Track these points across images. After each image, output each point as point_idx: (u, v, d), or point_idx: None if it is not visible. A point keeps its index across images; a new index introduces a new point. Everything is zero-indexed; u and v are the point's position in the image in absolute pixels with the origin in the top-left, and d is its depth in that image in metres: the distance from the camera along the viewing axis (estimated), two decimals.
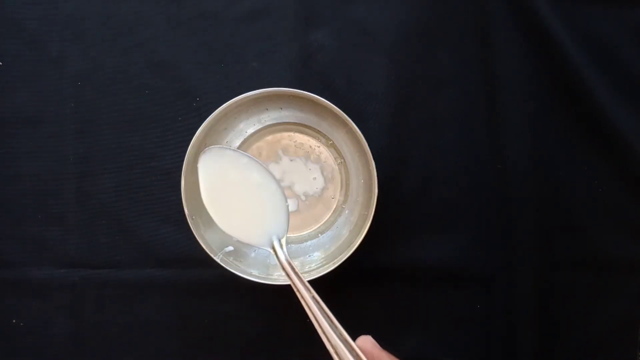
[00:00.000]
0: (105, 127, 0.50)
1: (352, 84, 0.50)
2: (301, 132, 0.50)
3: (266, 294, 0.46)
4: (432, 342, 0.50)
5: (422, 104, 0.50)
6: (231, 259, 0.46)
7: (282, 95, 0.45)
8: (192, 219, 0.44)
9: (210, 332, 0.50)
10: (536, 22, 0.49)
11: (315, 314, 0.34)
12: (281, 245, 0.39)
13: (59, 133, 0.50)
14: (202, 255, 0.44)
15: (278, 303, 0.50)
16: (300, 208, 0.50)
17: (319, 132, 0.49)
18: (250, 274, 0.44)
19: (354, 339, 0.35)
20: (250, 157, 0.41)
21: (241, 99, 0.44)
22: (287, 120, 0.49)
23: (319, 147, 0.50)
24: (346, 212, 0.49)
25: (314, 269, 0.46)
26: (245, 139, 0.50)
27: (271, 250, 0.40)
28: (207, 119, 0.44)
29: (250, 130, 0.49)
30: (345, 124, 0.44)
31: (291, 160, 0.49)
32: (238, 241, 0.49)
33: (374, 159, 0.43)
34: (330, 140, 0.49)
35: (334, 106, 0.43)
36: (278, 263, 0.39)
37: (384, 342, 0.51)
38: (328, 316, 0.34)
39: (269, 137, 0.50)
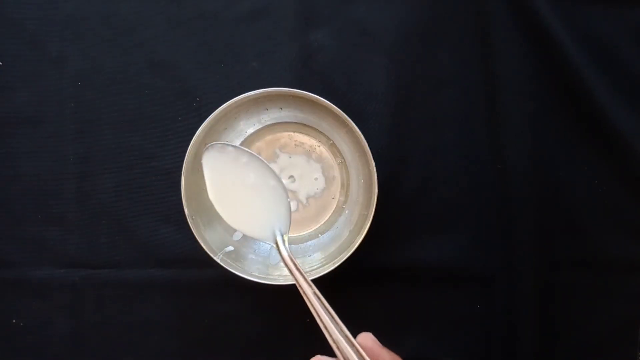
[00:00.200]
0: (105, 127, 0.50)
1: (352, 84, 0.50)
2: (301, 132, 0.50)
3: (266, 294, 0.46)
4: (432, 342, 0.50)
5: (422, 104, 0.50)
6: (231, 259, 0.46)
7: (282, 95, 0.45)
8: (192, 219, 0.44)
9: (210, 332, 0.50)
10: (536, 22, 0.49)
11: (317, 309, 0.35)
12: (284, 241, 0.40)
13: (59, 133, 0.50)
14: (202, 255, 0.44)
15: (278, 303, 0.50)
16: (300, 208, 0.50)
17: (319, 131, 0.49)
18: (250, 274, 0.44)
19: (354, 337, 0.35)
20: (251, 153, 0.41)
21: (241, 99, 0.44)
22: (287, 120, 0.49)
23: (319, 146, 0.50)
24: (346, 212, 0.49)
25: (314, 269, 0.46)
26: (245, 139, 0.50)
27: (274, 245, 0.40)
28: (207, 119, 0.44)
29: (250, 130, 0.49)
30: (345, 124, 0.44)
31: (290, 157, 0.49)
32: (238, 241, 0.49)
33: (374, 159, 0.43)
34: (331, 140, 0.49)
35: (334, 106, 0.43)
36: (280, 258, 0.39)
37: (384, 342, 0.51)
38: (329, 312, 0.34)
39: (269, 137, 0.50)
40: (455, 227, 0.50)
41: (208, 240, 0.45)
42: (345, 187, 0.50)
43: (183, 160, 0.44)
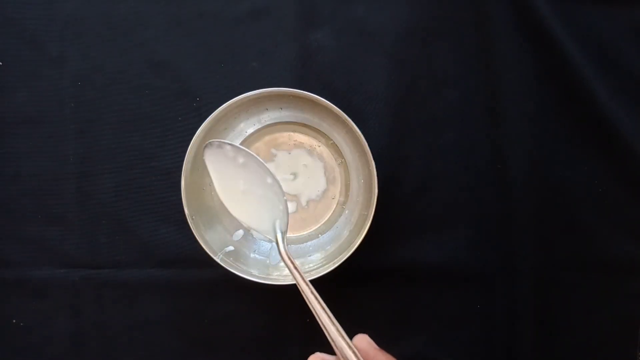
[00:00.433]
0: (105, 127, 0.50)
1: (352, 84, 0.50)
2: (301, 132, 0.50)
3: (266, 294, 0.46)
4: (432, 342, 0.50)
5: (422, 104, 0.50)
6: (231, 259, 0.46)
7: (282, 95, 0.45)
8: (192, 219, 0.44)
9: (210, 332, 0.50)
10: (536, 22, 0.49)
11: (314, 307, 0.35)
12: (283, 239, 0.41)
13: (59, 133, 0.50)
14: (202, 255, 0.44)
15: (278, 303, 0.50)
16: (300, 209, 0.50)
17: (319, 131, 0.49)
18: (250, 274, 0.44)
19: (351, 337, 0.35)
20: (248, 153, 0.41)
21: (241, 99, 0.44)
22: (287, 120, 0.49)
23: (319, 146, 0.50)
24: (346, 212, 0.49)
25: (314, 269, 0.46)
26: (245, 138, 0.50)
27: (275, 241, 0.41)
28: (207, 119, 0.44)
29: (250, 130, 0.49)
30: (345, 124, 0.44)
31: (290, 156, 0.49)
32: (238, 241, 0.49)
33: (374, 159, 0.43)
34: (331, 140, 0.49)
35: (334, 106, 0.43)
36: (279, 255, 0.40)
37: (384, 342, 0.51)
38: (325, 311, 0.35)
39: (269, 137, 0.50)
40: (455, 227, 0.50)
41: (208, 240, 0.45)
42: (346, 187, 0.50)
43: (183, 160, 0.44)
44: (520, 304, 0.49)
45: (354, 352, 0.33)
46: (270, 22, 0.50)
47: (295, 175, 0.49)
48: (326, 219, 0.50)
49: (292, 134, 0.50)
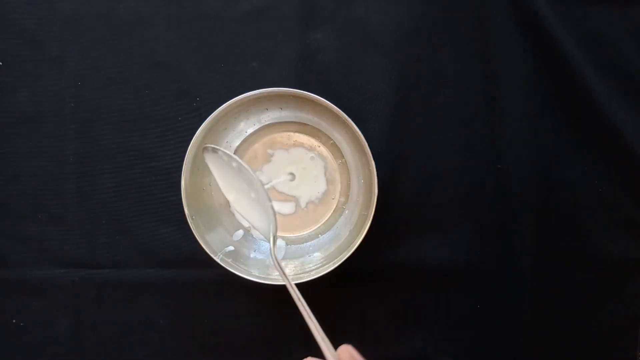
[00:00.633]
0: (105, 127, 0.50)
1: (352, 84, 0.50)
2: (301, 132, 0.50)
3: (266, 294, 0.46)
4: (432, 342, 0.50)
5: (422, 104, 0.50)
6: (231, 259, 0.46)
7: (282, 95, 0.45)
8: (192, 219, 0.44)
9: (210, 332, 0.50)
10: (536, 22, 0.49)
11: (305, 308, 0.36)
12: (273, 243, 0.42)
13: (59, 133, 0.50)
14: (202, 255, 0.44)
15: (278, 303, 0.49)
16: (300, 209, 0.50)
17: (319, 131, 0.49)
18: (250, 274, 0.44)
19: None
20: (237, 160, 0.41)
21: (241, 99, 0.44)
22: (287, 120, 0.49)
23: (319, 146, 0.50)
24: (346, 212, 0.49)
25: (313, 269, 0.46)
26: (245, 138, 0.50)
27: (269, 242, 0.42)
28: (207, 119, 0.44)
29: (250, 130, 0.49)
30: (345, 124, 0.44)
31: (289, 156, 0.49)
32: (238, 241, 0.49)
33: (374, 159, 0.43)
34: (331, 140, 0.49)
35: (334, 106, 0.43)
36: (271, 257, 0.41)
37: (384, 342, 0.51)
38: (311, 319, 0.36)
39: (269, 137, 0.50)
40: (455, 227, 0.50)
41: (208, 240, 0.45)
42: (346, 187, 0.50)
43: (183, 160, 0.44)
44: (520, 304, 0.49)
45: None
46: (270, 22, 0.50)
47: (294, 175, 0.49)
48: (326, 219, 0.50)
49: (292, 134, 0.50)
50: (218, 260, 0.44)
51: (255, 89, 0.44)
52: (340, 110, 0.43)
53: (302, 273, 0.46)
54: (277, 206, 0.50)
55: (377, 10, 0.50)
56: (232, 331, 0.50)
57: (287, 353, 0.50)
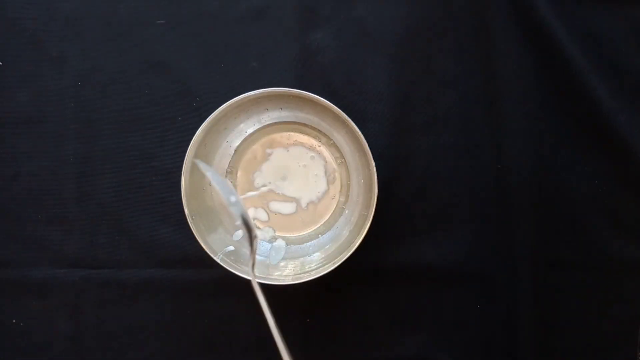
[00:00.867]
0: (105, 127, 0.50)
1: (352, 84, 0.50)
2: (301, 132, 0.50)
3: (266, 294, 0.46)
4: (432, 342, 0.50)
5: (422, 104, 0.50)
6: (231, 259, 0.46)
7: (282, 95, 0.45)
8: (192, 219, 0.44)
9: (210, 332, 0.50)
10: (536, 22, 0.49)
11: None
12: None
13: (59, 133, 0.50)
14: (202, 255, 0.44)
15: (278, 303, 0.49)
16: (300, 209, 0.50)
17: (319, 131, 0.49)
18: (250, 274, 0.44)
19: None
20: (212, 175, 0.42)
21: (241, 99, 0.44)
22: (287, 120, 0.49)
23: (319, 146, 0.50)
24: (346, 212, 0.49)
25: (313, 269, 0.46)
26: (245, 138, 0.50)
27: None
28: (207, 119, 0.44)
29: (250, 130, 0.49)
30: (345, 124, 0.44)
31: (287, 150, 0.50)
32: (238, 241, 0.49)
33: (374, 159, 0.43)
34: (331, 140, 0.49)
35: (334, 106, 0.43)
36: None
37: (384, 342, 0.51)
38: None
39: (269, 137, 0.50)
40: (455, 227, 0.50)
41: (208, 240, 0.45)
42: (346, 187, 0.50)
43: (183, 160, 0.44)
44: (520, 304, 0.49)
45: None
46: (270, 22, 0.50)
47: (293, 175, 0.49)
48: (326, 219, 0.50)
49: (292, 133, 0.50)
50: (218, 260, 0.44)
51: (255, 89, 0.44)
52: (340, 110, 0.43)
53: (302, 273, 0.46)
54: (278, 206, 0.50)
55: (377, 10, 0.50)
56: (232, 331, 0.50)
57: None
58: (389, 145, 0.50)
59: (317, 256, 0.48)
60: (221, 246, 0.46)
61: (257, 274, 0.45)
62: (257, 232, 0.50)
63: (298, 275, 0.45)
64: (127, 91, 0.50)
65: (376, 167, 0.43)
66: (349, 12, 0.50)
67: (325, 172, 0.50)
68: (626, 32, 0.50)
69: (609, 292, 0.50)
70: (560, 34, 0.48)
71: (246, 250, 0.48)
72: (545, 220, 0.49)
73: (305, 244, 0.50)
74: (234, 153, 0.50)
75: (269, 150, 0.50)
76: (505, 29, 0.50)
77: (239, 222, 0.41)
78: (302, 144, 0.50)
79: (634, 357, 0.49)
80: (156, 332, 0.50)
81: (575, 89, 0.49)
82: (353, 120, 0.43)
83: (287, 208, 0.50)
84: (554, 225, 0.50)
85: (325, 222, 0.50)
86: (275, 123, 0.49)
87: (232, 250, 0.47)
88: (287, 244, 0.50)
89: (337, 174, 0.50)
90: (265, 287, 0.44)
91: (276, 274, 0.46)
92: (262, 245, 0.50)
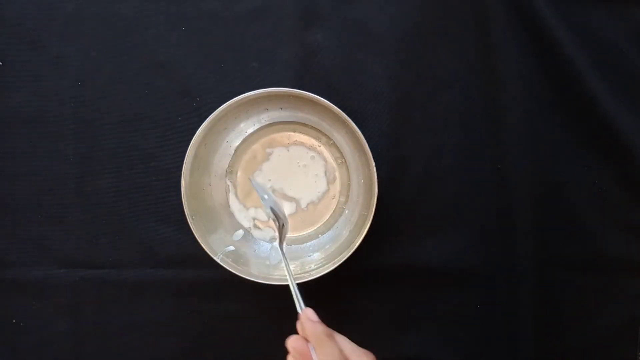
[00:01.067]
0: (105, 127, 0.50)
1: (352, 84, 0.50)
2: (301, 132, 0.50)
3: (266, 294, 0.46)
4: (432, 342, 0.50)
5: (422, 104, 0.50)
6: (231, 259, 0.46)
7: (282, 95, 0.45)
8: (192, 219, 0.44)
9: (210, 332, 0.50)
10: (536, 22, 0.49)
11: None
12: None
13: (59, 133, 0.50)
14: (202, 255, 0.44)
15: (278, 303, 0.49)
16: (300, 209, 0.50)
17: (319, 131, 0.49)
18: (250, 274, 0.44)
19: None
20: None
21: (241, 99, 0.44)
22: (287, 120, 0.49)
23: (319, 146, 0.50)
24: (346, 212, 0.49)
25: (314, 269, 0.46)
26: (245, 138, 0.50)
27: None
28: (207, 119, 0.44)
29: (250, 130, 0.49)
30: (345, 124, 0.44)
31: (288, 150, 0.50)
32: (238, 241, 0.49)
33: (374, 159, 0.43)
34: (331, 140, 0.49)
35: (334, 106, 0.43)
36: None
37: (384, 342, 0.51)
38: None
39: (269, 137, 0.50)
40: (455, 227, 0.50)
41: (208, 240, 0.45)
42: (346, 187, 0.50)
43: (183, 160, 0.44)
44: (520, 304, 0.49)
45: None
46: (270, 22, 0.50)
47: (293, 175, 0.49)
48: (326, 219, 0.50)
49: (292, 133, 0.50)
50: (218, 260, 0.44)
51: (255, 89, 0.44)
52: (340, 110, 0.43)
53: (302, 273, 0.46)
54: None
55: (377, 10, 0.50)
56: (232, 331, 0.50)
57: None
58: (389, 145, 0.50)
59: (317, 256, 0.48)
60: (221, 246, 0.46)
61: (257, 274, 0.45)
62: (257, 233, 0.50)
63: (298, 276, 0.45)
64: (127, 91, 0.50)
65: (376, 167, 0.43)
66: (349, 12, 0.50)
67: (325, 172, 0.50)
68: (626, 32, 0.50)
69: (609, 292, 0.50)
70: (560, 34, 0.48)
71: (246, 250, 0.49)
72: (545, 220, 0.49)
73: (305, 244, 0.50)
74: (234, 153, 0.50)
75: (269, 150, 0.50)
76: (505, 29, 0.50)
77: (268, 211, 0.47)
78: (302, 144, 0.50)
79: (634, 357, 0.49)
80: (156, 332, 0.50)
81: (575, 89, 0.49)
82: (353, 120, 0.43)
83: (287, 208, 0.50)
84: (554, 225, 0.50)
85: (325, 222, 0.50)
86: (275, 123, 0.49)
87: (232, 250, 0.47)
88: (287, 244, 0.50)
89: (337, 174, 0.50)
90: (265, 287, 0.44)
91: (276, 274, 0.46)
92: (262, 245, 0.50)
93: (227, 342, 0.50)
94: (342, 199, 0.50)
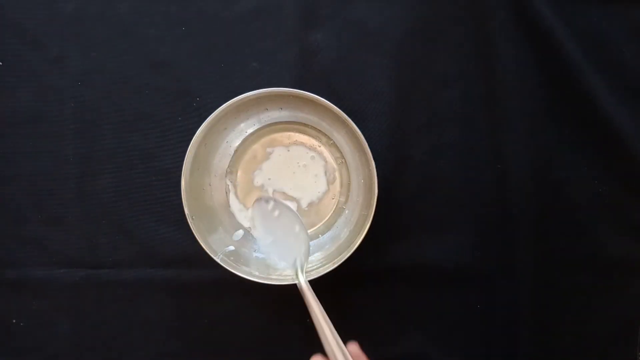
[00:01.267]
0: (105, 127, 0.50)
1: (352, 84, 0.50)
2: (301, 132, 0.50)
3: (266, 294, 0.46)
4: (432, 342, 0.50)
5: (422, 104, 0.50)
6: (231, 259, 0.46)
7: (282, 95, 0.45)
8: (192, 219, 0.44)
9: (210, 332, 0.50)
10: (536, 22, 0.49)
11: (323, 328, 0.38)
12: (302, 271, 0.43)
13: (59, 133, 0.50)
14: (202, 255, 0.44)
15: (278, 303, 0.50)
16: (300, 210, 0.50)
17: (319, 131, 0.49)
18: (250, 274, 0.44)
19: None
20: (284, 205, 0.46)
21: (241, 99, 0.44)
22: (287, 120, 0.49)
23: (319, 146, 0.50)
24: (346, 212, 0.49)
25: (313, 269, 0.46)
26: (245, 138, 0.50)
27: (293, 273, 0.43)
28: (207, 119, 0.44)
29: (250, 130, 0.50)
30: (345, 124, 0.44)
31: (288, 150, 0.49)
32: (238, 241, 0.49)
33: (374, 159, 0.43)
34: (331, 140, 0.49)
35: (334, 106, 0.43)
36: (298, 285, 0.42)
37: (384, 342, 0.51)
38: (329, 327, 0.38)
39: (269, 137, 0.50)
40: (455, 227, 0.50)
41: (208, 240, 0.45)
42: (346, 187, 0.50)
43: (183, 160, 0.44)
44: (520, 304, 0.49)
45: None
46: (270, 22, 0.50)
47: (293, 175, 0.49)
48: (326, 219, 0.50)
49: (292, 133, 0.50)
50: (218, 260, 0.44)
51: (255, 89, 0.44)
52: (340, 110, 0.43)
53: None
54: None
55: (377, 10, 0.50)
56: (232, 331, 0.50)
57: (287, 353, 0.50)
58: (389, 145, 0.50)
59: (317, 256, 0.48)
60: (221, 246, 0.46)
61: (257, 274, 0.45)
62: (254, 233, 0.50)
63: None
64: (127, 91, 0.50)
65: (376, 167, 0.43)
66: (349, 12, 0.50)
67: (325, 172, 0.50)
68: (626, 32, 0.50)
69: (609, 292, 0.50)
70: (560, 34, 0.48)
71: (246, 250, 0.49)
72: (545, 220, 0.49)
73: None
74: (234, 153, 0.50)
75: (269, 150, 0.50)
76: (505, 29, 0.50)
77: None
78: (302, 144, 0.50)
79: (634, 357, 0.49)
80: (156, 332, 0.50)
81: (575, 88, 0.49)
82: (353, 120, 0.43)
83: None
84: (554, 225, 0.50)
85: (325, 222, 0.50)
86: (275, 123, 0.49)
87: (232, 250, 0.47)
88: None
89: (337, 174, 0.50)
90: (265, 287, 0.44)
91: (276, 274, 0.46)
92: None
93: (227, 342, 0.50)
94: (342, 199, 0.50)
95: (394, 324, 0.50)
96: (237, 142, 0.50)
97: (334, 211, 0.50)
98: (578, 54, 0.48)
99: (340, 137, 0.48)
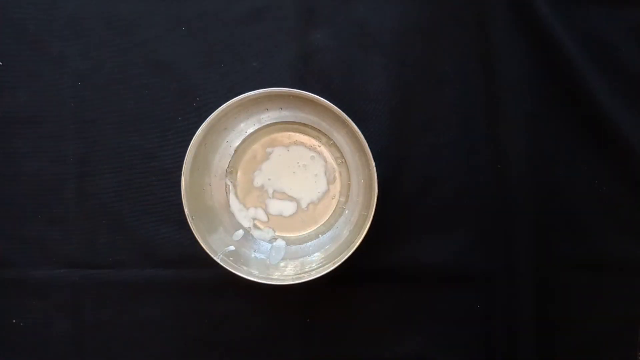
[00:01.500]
0: (105, 127, 0.50)
1: (352, 84, 0.50)
2: (301, 132, 0.50)
3: (266, 294, 0.46)
4: (432, 342, 0.50)
5: (422, 104, 0.50)
6: (231, 259, 0.46)
7: (282, 95, 0.45)
8: (192, 219, 0.44)
9: (210, 332, 0.50)
10: (536, 22, 0.49)
11: None
12: None
13: (59, 133, 0.50)
14: (202, 255, 0.44)
15: (278, 303, 0.50)
16: (300, 210, 0.50)
17: (319, 131, 0.49)
18: (250, 274, 0.44)
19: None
20: None
21: (241, 99, 0.44)
22: (287, 120, 0.49)
23: (319, 146, 0.50)
24: (346, 212, 0.49)
25: (314, 269, 0.46)
26: (245, 138, 0.50)
27: None
28: (207, 119, 0.44)
29: (250, 130, 0.49)
30: (345, 124, 0.44)
31: (288, 150, 0.49)
32: (238, 241, 0.49)
33: (374, 159, 0.43)
34: (331, 140, 0.49)
35: (334, 106, 0.43)
36: None
37: (384, 342, 0.51)
38: None
39: (269, 137, 0.50)
40: (455, 227, 0.50)
41: (208, 240, 0.45)
42: (346, 187, 0.50)
43: (183, 160, 0.44)
44: (520, 304, 0.49)
45: None
46: (270, 22, 0.50)
47: (294, 175, 0.49)
48: (326, 219, 0.50)
49: (292, 133, 0.50)
50: (218, 260, 0.44)
51: (255, 89, 0.44)
52: (340, 110, 0.43)
53: (302, 273, 0.46)
54: (279, 207, 0.50)
55: (377, 10, 0.50)
56: (232, 331, 0.50)
57: (287, 353, 0.50)
58: (389, 145, 0.50)
59: (317, 256, 0.48)
60: (221, 246, 0.46)
61: (257, 273, 0.45)
62: (257, 233, 0.50)
63: (298, 275, 0.45)
64: (127, 91, 0.50)
65: (376, 167, 0.43)
66: (349, 12, 0.50)
67: (325, 172, 0.50)
68: (626, 32, 0.50)
69: (609, 292, 0.50)
70: (560, 34, 0.48)
71: (246, 250, 0.49)
72: (546, 220, 0.49)
73: (305, 244, 0.50)
74: (234, 153, 0.50)
75: (269, 150, 0.50)
76: (505, 29, 0.50)
77: None
78: (302, 144, 0.50)
79: (634, 357, 0.49)
80: (156, 332, 0.50)
81: (575, 89, 0.49)
82: (353, 120, 0.43)
83: (288, 208, 0.50)
84: (554, 225, 0.50)
85: (325, 222, 0.50)
86: (275, 123, 0.49)
87: (232, 250, 0.47)
88: (287, 244, 0.50)
89: (337, 174, 0.50)
90: (265, 287, 0.44)
91: (276, 274, 0.46)
92: (262, 245, 0.50)
93: (227, 342, 0.50)
94: (342, 199, 0.50)
95: (393, 324, 0.50)
96: (237, 142, 0.50)
97: (334, 211, 0.50)
98: (578, 54, 0.48)
99: (340, 137, 0.48)
